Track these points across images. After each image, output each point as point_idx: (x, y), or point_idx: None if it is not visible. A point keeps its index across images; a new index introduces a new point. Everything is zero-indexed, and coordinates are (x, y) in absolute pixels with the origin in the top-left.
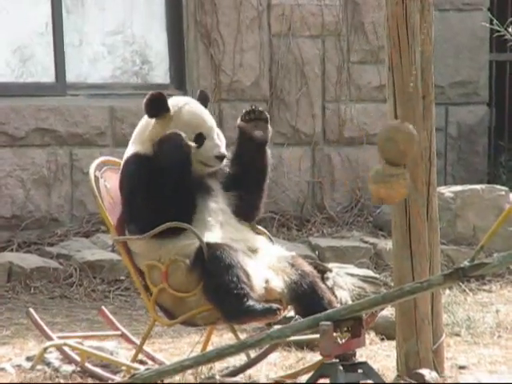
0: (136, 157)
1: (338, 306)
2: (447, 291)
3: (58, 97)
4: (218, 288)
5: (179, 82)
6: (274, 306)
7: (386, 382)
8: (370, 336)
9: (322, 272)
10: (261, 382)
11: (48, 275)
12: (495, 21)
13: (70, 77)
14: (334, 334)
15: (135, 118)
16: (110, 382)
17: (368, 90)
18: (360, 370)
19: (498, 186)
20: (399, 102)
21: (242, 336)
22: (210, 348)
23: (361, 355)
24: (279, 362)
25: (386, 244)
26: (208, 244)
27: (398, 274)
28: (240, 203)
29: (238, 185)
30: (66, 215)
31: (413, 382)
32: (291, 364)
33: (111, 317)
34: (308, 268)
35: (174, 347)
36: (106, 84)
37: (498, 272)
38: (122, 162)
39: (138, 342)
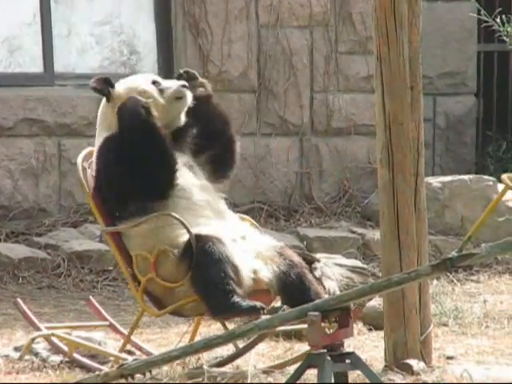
0: (105, 140)
1: (326, 296)
2: (435, 281)
3: (46, 87)
4: (205, 282)
5: (167, 72)
6: (259, 304)
7: (374, 372)
8: (358, 326)
9: (310, 262)
10: (249, 372)
11: (36, 265)
12: (483, 11)
13: (58, 67)
14: (322, 325)
15: None
16: (97, 372)
17: (356, 80)
18: (348, 361)
19: (486, 177)
20: (387, 93)
21: (230, 326)
22: (197, 338)
23: (349, 345)
24: (267, 353)
25: (374, 234)
26: (197, 236)
27: (386, 264)
28: (214, 163)
29: (207, 147)
30: (53, 205)
31: (401, 372)
32: (279, 354)
33: (99, 307)
34: (297, 258)
35: (162, 337)
36: (94, 74)
37: (486, 262)
38: (95, 153)
39: (126, 332)
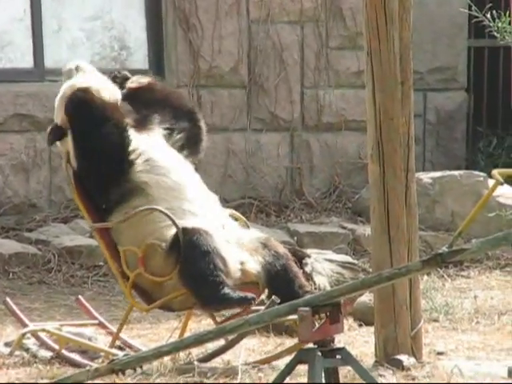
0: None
1: (314, 291)
2: (425, 277)
3: (36, 82)
4: (195, 275)
5: (158, 67)
6: (249, 295)
7: (365, 367)
8: (349, 322)
9: (301, 258)
10: (239, 367)
11: (26, 261)
12: (473, 7)
13: (49, 62)
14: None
15: None
16: (88, 367)
17: (346, 75)
18: (338, 356)
19: (477, 172)
20: (378, 88)
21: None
22: (188, 334)
23: (339, 341)
24: (258, 348)
25: (365, 230)
26: (184, 229)
27: (377, 259)
28: (183, 140)
29: (173, 126)
30: (44, 201)
31: (391, 367)
32: (270, 350)
33: (88, 306)
34: (281, 249)
35: (153, 333)
36: None
37: (477, 258)
38: None
39: (115, 328)
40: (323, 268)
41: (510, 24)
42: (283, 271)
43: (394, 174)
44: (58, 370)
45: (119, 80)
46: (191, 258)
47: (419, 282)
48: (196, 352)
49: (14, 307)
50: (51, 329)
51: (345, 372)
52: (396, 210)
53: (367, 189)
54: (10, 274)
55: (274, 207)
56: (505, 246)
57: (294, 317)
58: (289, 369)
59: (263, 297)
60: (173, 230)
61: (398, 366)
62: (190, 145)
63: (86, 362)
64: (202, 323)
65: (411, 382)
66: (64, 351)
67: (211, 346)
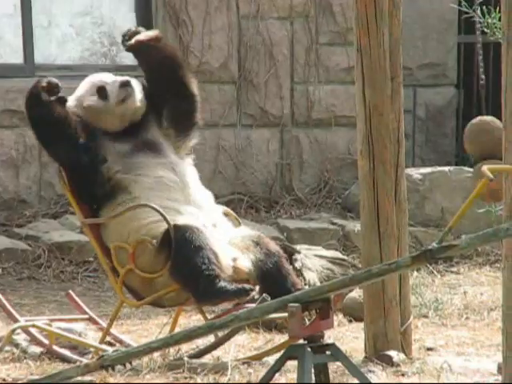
0: None
1: (305, 287)
2: (415, 273)
3: (26, 78)
4: (188, 269)
5: None
6: (247, 286)
7: (354, 363)
8: (338, 318)
9: (290, 254)
10: (229, 363)
11: (16, 256)
12: (463, 3)
13: (39, 58)
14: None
15: None
16: (78, 363)
17: (336, 71)
18: (328, 352)
19: (466, 168)
20: (367, 84)
21: (210, 317)
22: (178, 330)
23: (329, 337)
24: (248, 344)
25: (355, 226)
26: (175, 226)
27: (366, 255)
28: (174, 113)
29: (164, 94)
30: (34, 196)
31: (380, 363)
32: (260, 346)
33: (78, 300)
34: (274, 247)
35: (142, 329)
36: (74, 65)
37: (466, 254)
38: None
39: (105, 324)
40: (313, 264)
41: (499, 20)
42: (275, 269)
43: (384, 170)
44: (48, 366)
45: (128, 37)
46: (184, 253)
47: (409, 278)
48: (186, 348)
49: (5, 302)
50: (41, 324)
51: (334, 368)
52: (386, 206)
53: (357, 185)
54: (0, 270)
55: (263, 203)
56: (494, 241)
57: (285, 314)
58: (278, 365)
59: (254, 293)
60: (163, 227)
61: (388, 361)
62: (179, 122)
63: (75, 357)
64: (192, 319)
65: (401, 377)
66: (54, 347)
67: (201, 342)
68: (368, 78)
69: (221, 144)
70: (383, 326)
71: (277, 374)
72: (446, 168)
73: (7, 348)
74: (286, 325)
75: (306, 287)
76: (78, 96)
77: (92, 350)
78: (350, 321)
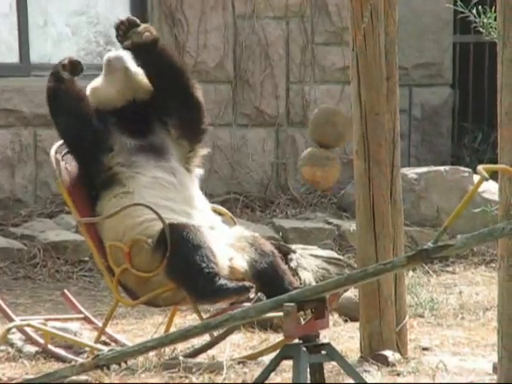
0: None
1: (301, 286)
2: (411, 273)
3: (22, 77)
4: (186, 268)
5: None
6: (247, 283)
7: (350, 363)
8: (334, 317)
9: (286, 253)
10: (224, 362)
11: (12, 256)
12: (459, 2)
13: (34, 57)
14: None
15: None
16: (73, 362)
17: (332, 71)
18: (323, 352)
19: (462, 168)
20: (363, 84)
21: (205, 316)
22: (173, 329)
23: (324, 336)
24: (243, 343)
25: (350, 225)
26: (171, 225)
27: (362, 255)
28: (182, 123)
29: (169, 103)
30: (29, 196)
31: (376, 363)
32: (255, 345)
33: (74, 300)
34: (268, 248)
35: (138, 328)
36: None
37: (462, 254)
38: None
39: (101, 323)
40: (308, 263)
41: (495, 20)
42: (271, 268)
43: (380, 170)
44: (44, 365)
45: (124, 28)
46: (181, 252)
47: (404, 278)
48: (181, 348)
49: (0, 301)
50: (36, 323)
51: (330, 367)
52: (381, 206)
53: (352, 184)
54: None
55: (259, 202)
56: (490, 241)
57: (280, 314)
58: (274, 364)
59: (252, 292)
60: (158, 226)
61: (383, 361)
62: (188, 131)
63: (71, 356)
64: (187, 318)
65: (396, 377)
66: (50, 346)
67: (197, 342)
68: (364, 78)
69: (216, 143)
70: (378, 326)
71: (272, 374)
72: (442, 168)
73: (2, 347)
74: (281, 324)
75: (301, 286)
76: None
77: (87, 349)
78: (346, 320)
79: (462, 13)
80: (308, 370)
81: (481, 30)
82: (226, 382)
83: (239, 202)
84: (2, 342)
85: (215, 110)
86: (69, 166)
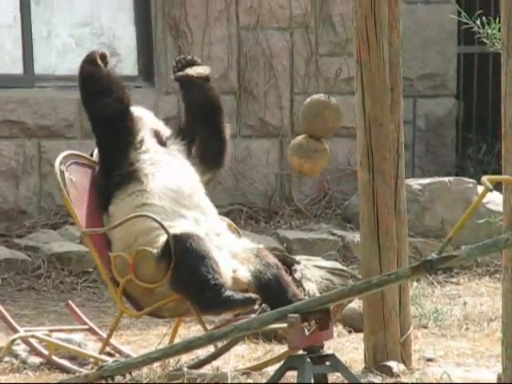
0: None
1: (305, 298)
2: (415, 283)
3: (26, 89)
4: (191, 279)
5: (147, 74)
6: (253, 295)
7: (354, 374)
8: (338, 328)
9: (290, 264)
10: (228, 373)
11: (16, 267)
12: (463, 13)
13: (38, 69)
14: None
15: None
16: (77, 373)
17: (336, 82)
18: (327, 363)
19: (466, 179)
20: (367, 95)
21: (210, 328)
22: (177, 340)
23: (328, 347)
24: (247, 354)
25: (354, 236)
26: (175, 236)
27: (366, 266)
28: (204, 149)
29: (197, 130)
30: (34, 207)
31: (380, 374)
32: (259, 356)
33: (78, 311)
34: (272, 260)
35: (142, 339)
36: (74, 76)
37: (466, 264)
38: None
39: (105, 335)
40: (312, 274)
41: (499, 30)
42: (275, 280)
43: (384, 181)
44: (48, 377)
45: (184, 62)
46: (186, 262)
47: (408, 289)
48: (186, 359)
49: (5, 313)
50: (41, 335)
51: (334, 378)
52: (385, 217)
53: (357, 195)
54: (0, 281)
55: (263, 213)
56: (494, 252)
57: (284, 325)
58: (278, 375)
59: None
60: (164, 236)
61: (388, 372)
62: (209, 157)
63: (75, 368)
64: (191, 329)
65: None
66: (54, 357)
67: (201, 353)
68: (368, 89)
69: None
70: (383, 337)
71: None
72: (446, 179)
73: (7, 358)
74: (285, 335)
75: (306, 298)
76: None
77: (92, 360)
78: (350, 331)
79: (467, 24)
80: (312, 380)
81: (485, 40)
82: None
83: (243, 213)
84: (7, 353)
85: None
86: (73, 177)
